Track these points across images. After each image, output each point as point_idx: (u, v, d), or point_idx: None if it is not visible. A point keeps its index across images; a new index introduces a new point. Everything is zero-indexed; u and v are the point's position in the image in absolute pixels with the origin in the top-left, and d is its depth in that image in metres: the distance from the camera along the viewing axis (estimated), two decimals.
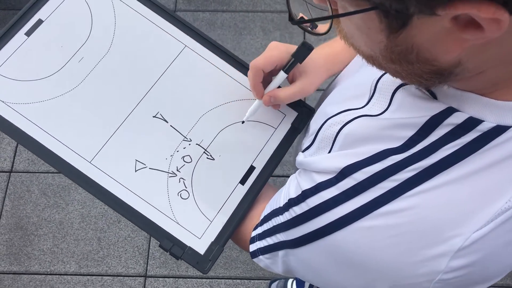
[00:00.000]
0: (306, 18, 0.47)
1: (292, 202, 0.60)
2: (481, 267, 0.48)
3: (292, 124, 0.85)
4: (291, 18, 0.46)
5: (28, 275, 1.92)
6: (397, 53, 0.41)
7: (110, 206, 0.77)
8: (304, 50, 0.74)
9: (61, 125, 0.79)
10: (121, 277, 1.91)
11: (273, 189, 0.85)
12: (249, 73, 0.77)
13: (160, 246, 0.76)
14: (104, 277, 1.91)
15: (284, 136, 0.84)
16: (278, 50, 0.77)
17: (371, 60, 0.46)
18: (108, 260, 1.93)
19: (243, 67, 0.87)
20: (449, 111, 0.48)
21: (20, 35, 0.81)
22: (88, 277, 1.91)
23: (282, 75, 0.77)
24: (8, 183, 2.04)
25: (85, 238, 1.96)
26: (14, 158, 2.08)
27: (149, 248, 1.95)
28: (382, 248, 0.49)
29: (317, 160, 0.59)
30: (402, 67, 0.43)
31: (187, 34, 0.86)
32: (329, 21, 0.46)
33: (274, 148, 0.83)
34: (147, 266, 1.92)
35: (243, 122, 0.83)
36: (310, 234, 0.56)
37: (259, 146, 0.83)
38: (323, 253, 0.55)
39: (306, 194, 0.57)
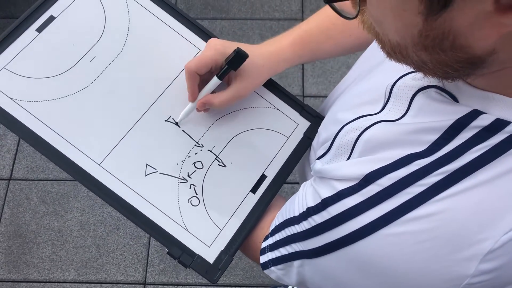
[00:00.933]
0: None
1: (311, 211, 0.59)
2: (508, 270, 0.47)
3: (305, 134, 0.84)
4: (341, 15, 0.45)
5: (26, 283, 1.90)
6: (431, 38, 0.40)
7: (118, 210, 0.75)
8: (238, 58, 0.73)
9: (70, 125, 0.76)
10: (120, 285, 1.90)
11: (283, 199, 0.85)
12: (185, 76, 0.76)
13: (168, 253, 0.74)
14: (103, 284, 1.90)
15: (296, 146, 0.84)
16: (214, 50, 0.75)
17: (398, 49, 0.45)
18: (107, 268, 1.92)
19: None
20: (475, 114, 0.47)
21: (31, 31, 0.79)
22: (87, 284, 1.90)
23: (215, 81, 0.76)
24: (7, 190, 2.03)
25: (84, 245, 1.95)
26: (13, 166, 2.07)
27: (148, 256, 1.94)
28: (409, 255, 0.48)
29: (337, 168, 0.58)
30: (432, 56, 0.42)
31: (202, 38, 0.85)
32: (358, 6, 0.45)
33: (286, 158, 0.83)
34: (146, 273, 1.91)
35: (177, 123, 0.80)
36: (332, 243, 0.55)
37: (271, 155, 0.83)
38: (346, 262, 0.54)
39: (326, 202, 0.56)
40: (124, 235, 1.96)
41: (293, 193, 1.85)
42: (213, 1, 2.35)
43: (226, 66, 0.74)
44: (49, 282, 1.90)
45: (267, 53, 0.79)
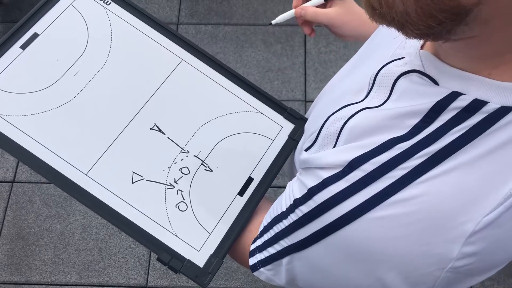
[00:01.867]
0: None
1: (298, 202, 0.59)
2: (490, 253, 0.47)
3: (289, 136, 0.86)
4: None
5: (29, 286, 1.92)
6: None
7: (106, 219, 0.76)
8: None
9: (56, 138, 0.78)
10: None
11: (270, 202, 0.85)
12: None
13: (158, 259, 0.75)
14: (105, 287, 1.91)
15: (282, 148, 0.85)
16: None
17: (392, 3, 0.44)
18: (109, 271, 1.93)
19: (239, 80, 0.87)
20: (454, 95, 0.48)
21: (15, 48, 0.81)
22: (89, 287, 1.91)
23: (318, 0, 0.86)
24: (10, 193, 2.05)
25: (86, 248, 1.97)
26: (16, 168, 2.10)
27: (150, 259, 1.95)
28: (394, 238, 0.49)
29: (322, 156, 0.58)
30: (417, 3, 0.41)
31: (183, 48, 0.87)
32: None
33: (272, 160, 0.84)
34: (148, 276, 1.92)
35: (270, 23, 0.92)
36: (319, 232, 0.55)
37: (257, 158, 0.83)
38: (334, 249, 0.54)
39: (312, 191, 0.56)
40: (126, 238, 1.97)
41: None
42: (216, 6, 2.36)
43: None
44: (51, 284, 1.92)
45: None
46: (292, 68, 2.23)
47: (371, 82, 0.60)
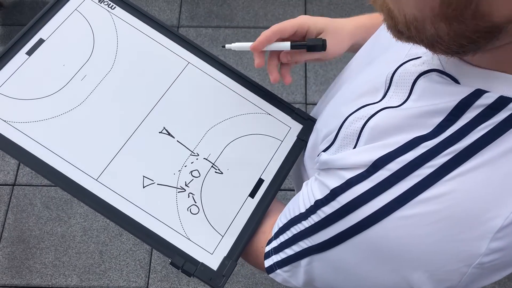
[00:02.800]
0: None
1: (320, 203, 0.59)
2: None
3: (298, 136, 0.86)
4: None
5: None
6: (453, 7, 0.39)
7: (117, 224, 0.75)
8: (320, 47, 0.78)
9: (66, 143, 0.78)
10: None
11: (281, 204, 0.85)
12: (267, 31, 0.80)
13: (171, 263, 0.74)
14: None
15: (291, 148, 0.85)
16: (306, 18, 0.79)
17: (414, 24, 0.44)
18: (109, 274, 1.93)
19: (245, 82, 0.88)
20: (478, 93, 0.48)
21: (21, 54, 0.81)
22: None
23: (285, 46, 0.80)
24: (11, 196, 2.05)
25: (87, 251, 1.96)
26: (17, 171, 2.09)
27: (150, 262, 1.95)
28: (422, 236, 0.49)
29: (344, 157, 0.58)
30: (450, 27, 0.41)
31: (189, 51, 0.87)
32: None
33: (282, 161, 0.84)
34: (148, 279, 1.92)
35: (223, 46, 0.85)
36: (344, 232, 0.55)
37: (267, 159, 0.84)
38: (359, 250, 0.54)
39: (335, 192, 0.56)
40: (127, 241, 1.97)
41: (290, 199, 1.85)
42: (217, 9, 2.37)
43: (306, 45, 0.79)
44: (51, 287, 1.91)
45: (348, 20, 0.84)
46: (292, 71, 2.24)
47: (388, 82, 0.60)
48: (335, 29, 0.81)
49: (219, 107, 0.85)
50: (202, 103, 0.84)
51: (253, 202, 0.81)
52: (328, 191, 0.58)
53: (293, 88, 2.20)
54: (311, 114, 0.91)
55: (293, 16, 2.38)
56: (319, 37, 0.80)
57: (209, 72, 0.87)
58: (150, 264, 1.94)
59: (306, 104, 2.16)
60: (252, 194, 0.81)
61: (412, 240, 0.49)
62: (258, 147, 0.84)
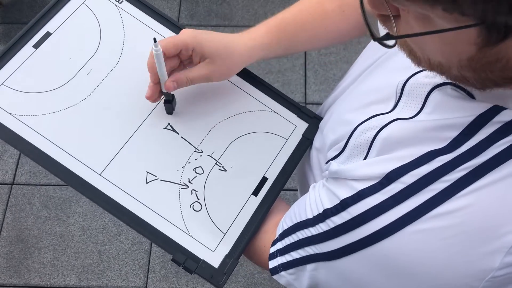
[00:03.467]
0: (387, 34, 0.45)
1: (329, 212, 0.58)
2: None
3: (303, 135, 0.85)
4: (373, 35, 0.44)
5: None
6: (482, 63, 0.40)
7: (120, 219, 0.75)
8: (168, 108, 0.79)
9: (70, 137, 0.78)
10: None
11: (284, 203, 0.85)
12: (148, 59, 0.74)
13: (173, 260, 0.74)
14: None
15: (296, 147, 0.84)
16: (186, 34, 0.73)
17: (438, 68, 0.45)
18: (108, 273, 1.92)
19: (251, 79, 0.87)
20: (496, 110, 0.48)
21: (28, 47, 0.81)
22: None
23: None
24: (9, 195, 2.04)
25: (86, 251, 1.96)
26: (16, 171, 2.08)
27: (149, 262, 1.94)
28: (435, 251, 0.48)
29: (355, 168, 0.57)
30: (478, 75, 0.42)
31: None
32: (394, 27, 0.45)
33: (286, 159, 0.83)
34: (147, 279, 1.91)
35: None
36: (354, 244, 0.54)
37: (271, 157, 0.83)
38: (369, 262, 0.54)
39: (346, 203, 0.55)
40: (126, 241, 1.97)
41: (294, 200, 1.85)
42: (216, 8, 2.36)
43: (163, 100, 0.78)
44: (50, 287, 1.90)
45: (244, 39, 0.78)
46: (292, 70, 2.24)
47: (399, 91, 0.60)
48: (225, 54, 0.76)
49: (224, 104, 0.84)
50: (207, 99, 0.84)
51: (256, 201, 0.80)
52: (338, 201, 0.57)
53: (292, 88, 2.19)
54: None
55: None
56: (204, 62, 0.76)
57: None
58: (149, 264, 1.93)
59: (306, 103, 2.16)
60: (256, 192, 0.80)
61: (425, 254, 0.49)
62: (263, 145, 0.83)
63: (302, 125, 0.86)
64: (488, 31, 0.36)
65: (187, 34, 0.74)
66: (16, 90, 0.79)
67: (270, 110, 0.86)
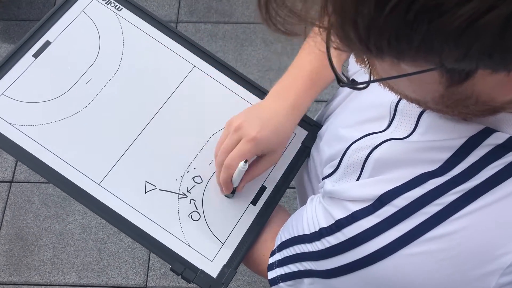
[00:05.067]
0: (356, 79, 0.46)
1: (324, 232, 0.58)
2: None
3: (303, 143, 0.85)
4: (340, 81, 0.43)
5: (27, 286, 1.91)
6: (453, 100, 0.41)
7: (118, 229, 0.75)
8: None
9: (69, 147, 0.78)
10: None
11: (284, 210, 0.85)
12: (222, 173, 0.75)
13: (171, 269, 0.75)
14: None
15: (295, 155, 0.84)
16: (252, 144, 0.74)
17: (417, 103, 0.46)
18: (108, 271, 1.93)
19: (252, 87, 0.87)
20: (488, 132, 0.47)
21: (28, 56, 0.81)
22: None
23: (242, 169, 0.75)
24: (9, 193, 2.04)
25: (85, 248, 1.96)
26: (15, 168, 2.08)
27: (149, 259, 1.94)
28: (429, 274, 0.48)
29: (348, 188, 0.57)
30: (455, 110, 0.43)
31: (195, 54, 0.86)
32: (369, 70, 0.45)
33: (285, 168, 0.83)
34: (147, 277, 1.92)
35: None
36: (348, 265, 0.54)
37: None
38: (364, 283, 0.54)
39: (341, 224, 0.55)
40: (126, 239, 1.97)
41: (293, 197, 1.84)
42: (216, 4, 2.35)
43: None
44: (50, 285, 1.91)
45: (290, 109, 0.77)
46: None
47: (392, 110, 0.59)
48: (282, 141, 0.77)
49: (224, 111, 0.84)
50: (206, 107, 0.84)
51: (254, 210, 0.80)
52: (333, 221, 0.57)
53: None
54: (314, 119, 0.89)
55: None
56: (266, 156, 0.77)
57: (215, 76, 0.86)
58: (149, 262, 1.94)
59: None
60: (254, 202, 0.80)
61: (418, 277, 0.49)
62: None
63: (302, 133, 0.86)
64: (449, 73, 0.36)
65: (253, 143, 0.74)
66: (16, 100, 0.79)
67: None
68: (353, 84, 0.44)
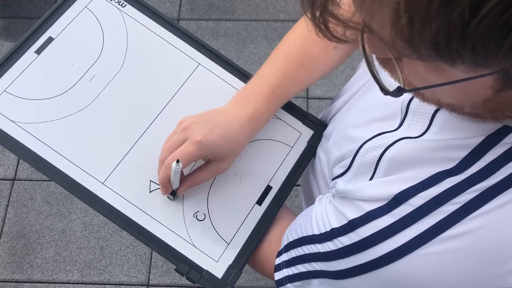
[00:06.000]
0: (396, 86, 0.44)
1: (337, 232, 0.57)
2: None
3: (308, 142, 0.84)
4: (383, 90, 0.42)
5: (30, 284, 1.91)
6: (499, 103, 0.40)
7: (122, 228, 0.75)
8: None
9: (73, 145, 0.77)
10: (124, 286, 1.90)
11: (289, 211, 0.84)
12: (161, 172, 0.72)
13: (176, 270, 0.74)
14: (106, 285, 1.90)
15: (301, 155, 0.83)
16: (196, 145, 0.71)
17: (449, 107, 0.45)
18: (110, 269, 1.93)
19: None
20: (505, 130, 0.47)
21: (30, 53, 0.80)
22: (90, 285, 1.90)
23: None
24: (11, 191, 2.03)
25: (88, 246, 1.96)
26: (17, 166, 2.08)
27: (151, 257, 1.94)
28: (446, 273, 0.48)
29: (362, 188, 0.57)
30: (494, 114, 0.42)
31: (200, 52, 0.85)
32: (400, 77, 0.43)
33: (291, 167, 0.82)
34: (149, 275, 1.92)
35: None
36: (362, 266, 0.53)
37: (275, 166, 0.82)
38: (378, 284, 0.53)
39: (354, 224, 0.55)
40: (128, 236, 1.97)
41: (296, 194, 1.83)
42: (217, 2, 2.34)
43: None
44: (52, 282, 1.91)
45: (247, 119, 0.75)
46: None
47: (404, 109, 0.59)
48: (233, 147, 0.75)
49: None
50: (211, 106, 0.83)
51: (260, 210, 0.79)
52: (345, 221, 0.56)
53: None
54: (319, 117, 0.89)
55: (295, 9, 2.36)
56: (213, 162, 0.75)
57: (219, 74, 0.85)
58: (151, 259, 1.94)
59: (308, 98, 2.15)
60: (260, 202, 0.79)
61: (437, 276, 0.48)
62: (267, 153, 0.82)
63: (308, 132, 0.85)
64: (506, 77, 0.35)
65: (197, 145, 0.71)
66: (18, 97, 0.78)
67: (275, 116, 0.84)
68: (399, 93, 0.42)
